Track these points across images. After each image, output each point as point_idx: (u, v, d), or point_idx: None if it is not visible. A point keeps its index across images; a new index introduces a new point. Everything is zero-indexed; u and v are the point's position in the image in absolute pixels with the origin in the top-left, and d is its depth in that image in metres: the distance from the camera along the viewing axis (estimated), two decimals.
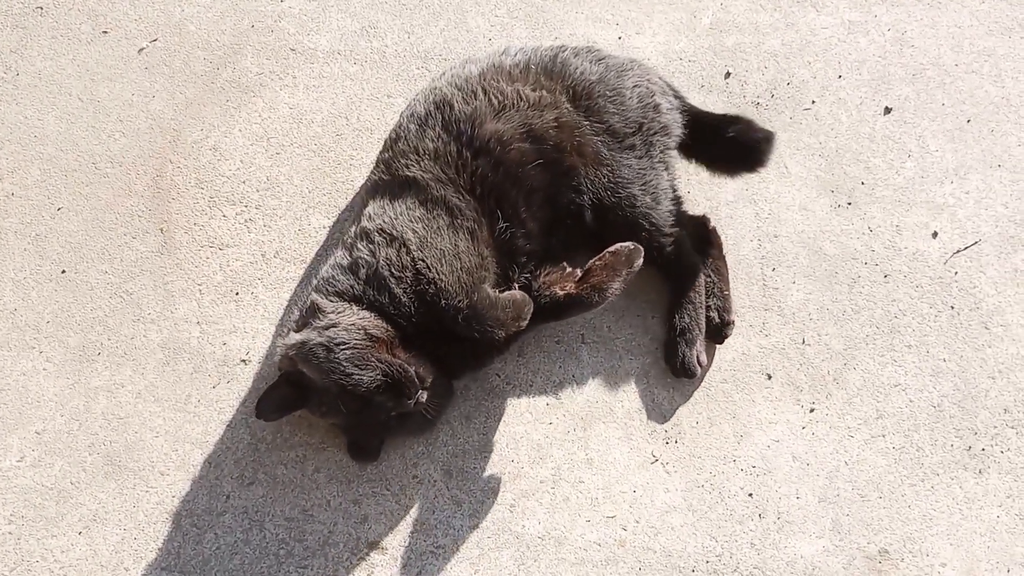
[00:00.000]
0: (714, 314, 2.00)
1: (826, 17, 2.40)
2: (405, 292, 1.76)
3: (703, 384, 2.00)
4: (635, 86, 2.01)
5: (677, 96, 2.10)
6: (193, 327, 2.08)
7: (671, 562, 1.85)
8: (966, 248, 2.12)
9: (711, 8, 2.43)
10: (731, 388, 2.00)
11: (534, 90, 1.94)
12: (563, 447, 1.95)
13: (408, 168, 1.88)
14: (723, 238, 2.10)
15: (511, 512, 1.89)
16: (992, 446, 1.94)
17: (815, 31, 2.39)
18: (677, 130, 2.05)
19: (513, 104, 1.90)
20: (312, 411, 1.81)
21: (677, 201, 2.00)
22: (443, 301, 1.74)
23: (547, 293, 1.84)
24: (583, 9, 2.44)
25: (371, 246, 1.81)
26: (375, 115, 2.31)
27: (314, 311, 1.79)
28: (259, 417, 1.81)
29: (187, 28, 2.45)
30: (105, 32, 2.45)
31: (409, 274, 1.76)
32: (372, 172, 2.02)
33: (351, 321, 1.73)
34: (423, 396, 1.72)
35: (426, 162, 1.87)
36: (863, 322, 2.05)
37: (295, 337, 1.76)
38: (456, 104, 1.91)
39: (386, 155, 1.96)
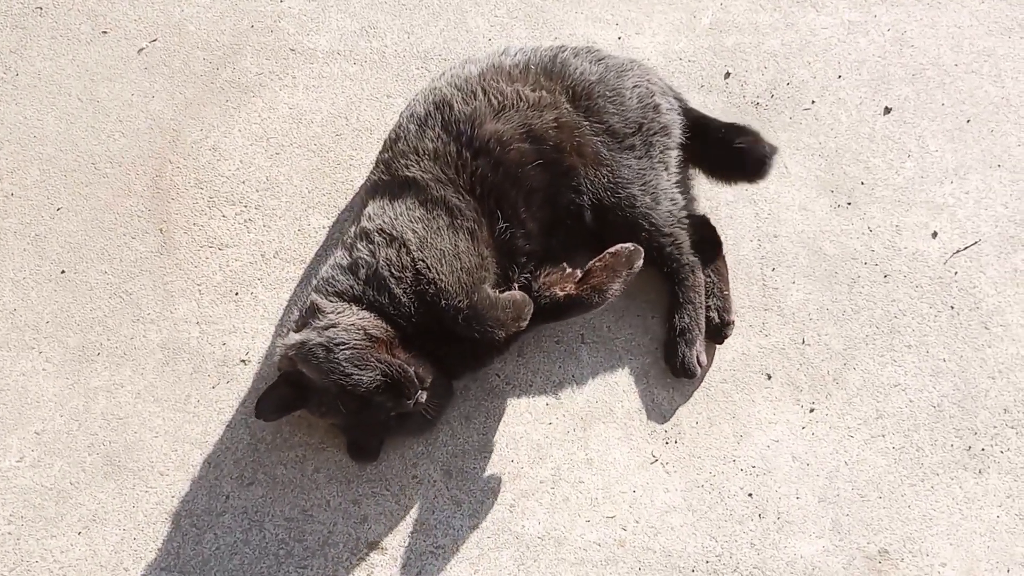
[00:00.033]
0: (714, 314, 2.00)
1: (826, 17, 2.40)
2: (405, 292, 1.76)
3: (703, 384, 2.00)
4: (635, 86, 2.01)
5: (678, 99, 2.10)
6: (193, 327, 2.08)
7: (671, 562, 1.85)
8: (966, 248, 2.12)
9: (711, 8, 2.43)
10: (731, 388, 2.00)
11: (534, 90, 1.94)
12: (563, 447, 1.95)
13: (408, 168, 1.88)
14: (723, 238, 2.10)
15: (511, 512, 1.89)
16: (992, 446, 1.94)
17: (815, 31, 2.39)
18: (677, 130, 2.05)
19: (513, 104, 1.91)
20: (312, 411, 1.81)
21: (676, 201, 2.00)
22: (443, 301, 1.74)
23: (547, 294, 1.84)
24: (583, 9, 2.44)
25: (371, 246, 1.81)
26: (375, 115, 2.31)
27: (314, 311, 1.79)
28: (258, 417, 1.81)
29: (187, 28, 2.45)
30: (105, 32, 2.45)
31: (409, 274, 1.76)
32: (372, 172, 2.02)
33: (351, 321, 1.73)
34: (423, 396, 1.72)
35: (426, 162, 1.87)
36: (863, 322, 2.05)
37: (295, 337, 1.76)
38: (456, 104, 1.91)
39: (386, 155, 1.96)
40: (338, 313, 1.76)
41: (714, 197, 2.18)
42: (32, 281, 2.14)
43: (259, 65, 2.39)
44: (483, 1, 2.45)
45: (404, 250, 1.78)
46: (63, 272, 2.15)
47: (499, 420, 1.97)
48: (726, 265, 2.07)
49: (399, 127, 1.98)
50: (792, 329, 2.05)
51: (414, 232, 1.79)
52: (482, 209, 1.85)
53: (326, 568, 1.85)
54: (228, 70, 2.39)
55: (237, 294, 2.11)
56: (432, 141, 1.89)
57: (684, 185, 2.09)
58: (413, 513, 1.89)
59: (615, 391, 2.00)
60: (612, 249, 1.85)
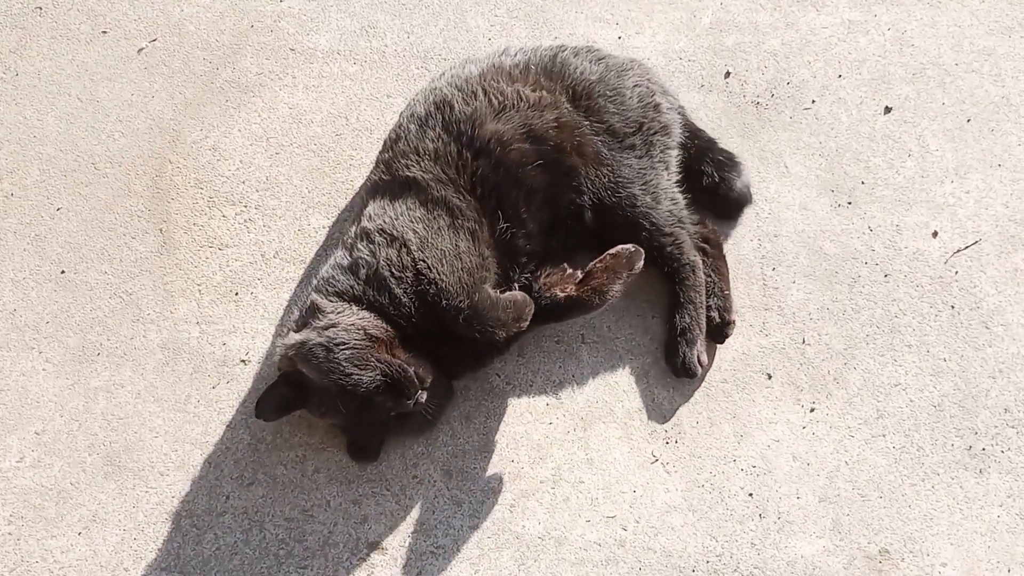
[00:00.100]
0: (714, 314, 1.99)
1: (826, 17, 2.40)
2: (405, 292, 1.76)
3: (703, 384, 2.00)
4: (635, 86, 2.01)
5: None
6: (193, 327, 2.08)
7: (671, 562, 1.84)
8: (966, 247, 2.12)
9: (711, 8, 2.43)
10: (731, 388, 2.00)
11: (534, 90, 1.94)
12: (563, 447, 1.95)
13: (408, 168, 1.88)
14: (723, 238, 2.10)
15: (511, 512, 1.89)
16: (993, 446, 1.94)
17: (815, 31, 2.38)
18: (677, 130, 2.06)
19: (513, 104, 1.90)
20: (312, 411, 1.81)
21: (677, 201, 2.00)
22: (444, 301, 1.74)
23: (547, 295, 1.84)
24: (583, 9, 2.43)
25: (371, 246, 1.81)
26: (375, 115, 2.31)
27: (314, 311, 1.79)
28: (258, 417, 1.81)
29: (186, 28, 2.45)
30: (104, 32, 2.45)
31: (410, 274, 1.76)
32: (372, 172, 2.02)
33: (351, 321, 1.73)
34: (423, 396, 1.72)
35: (426, 162, 1.87)
36: (863, 322, 2.05)
37: (295, 337, 1.76)
38: (456, 105, 1.90)
39: (386, 155, 1.96)
40: (338, 313, 1.76)
41: None
42: (32, 281, 2.14)
43: (259, 65, 2.39)
44: (483, 1, 2.45)
45: (405, 250, 1.78)
46: (63, 272, 2.15)
47: (499, 420, 1.97)
48: (726, 264, 2.07)
49: (399, 127, 1.98)
50: (792, 329, 2.05)
51: (415, 232, 1.79)
52: (483, 209, 1.85)
53: (326, 568, 1.84)
54: (228, 70, 2.39)
55: (237, 294, 2.11)
56: (433, 141, 1.88)
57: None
58: (413, 513, 1.89)
59: (615, 391, 2.00)
60: (612, 250, 1.85)
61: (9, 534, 1.90)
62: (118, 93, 2.36)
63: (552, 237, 1.94)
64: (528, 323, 1.78)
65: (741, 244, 2.13)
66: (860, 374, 2.00)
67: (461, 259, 1.77)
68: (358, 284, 1.79)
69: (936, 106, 2.28)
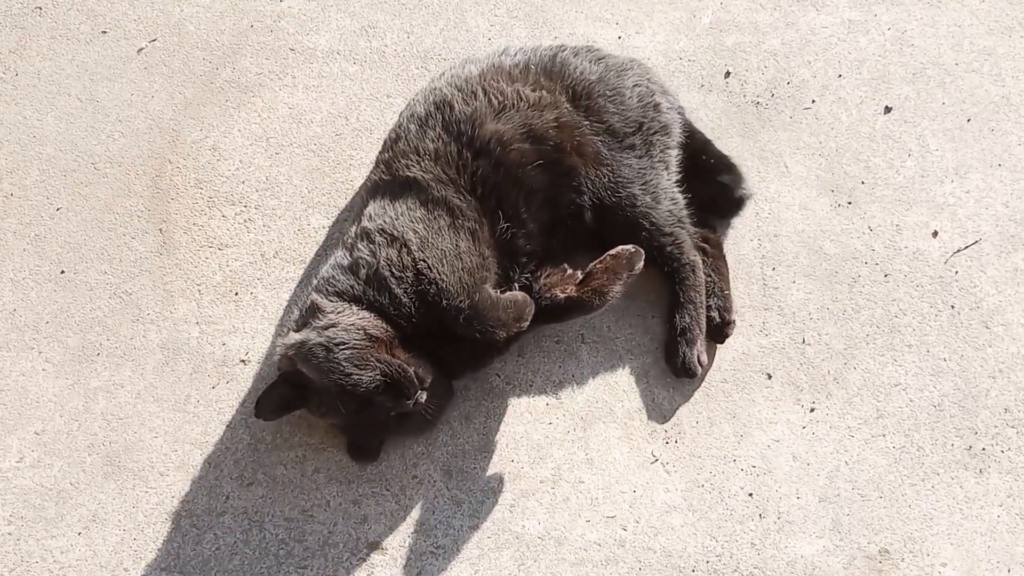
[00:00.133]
0: (715, 314, 1.99)
1: (826, 16, 2.40)
2: (406, 292, 1.76)
3: (703, 384, 2.00)
4: (635, 85, 2.01)
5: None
6: (192, 327, 2.08)
7: (671, 562, 1.84)
8: (966, 247, 2.12)
9: (711, 7, 2.43)
10: (731, 388, 2.00)
11: (534, 90, 1.94)
12: (563, 447, 1.95)
13: (409, 168, 1.88)
14: (723, 237, 2.10)
15: (511, 512, 1.89)
16: (993, 446, 1.93)
17: (815, 30, 2.38)
18: (677, 129, 2.05)
19: (513, 104, 1.90)
20: (311, 411, 1.81)
21: (677, 201, 2.00)
22: (445, 301, 1.73)
23: (548, 295, 1.84)
24: (583, 9, 2.43)
25: (372, 246, 1.81)
26: (374, 115, 2.31)
27: (314, 311, 1.78)
28: (258, 417, 1.81)
29: (186, 28, 2.45)
30: (104, 32, 2.45)
31: (410, 274, 1.76)
32: (372, 172, 2.02)
33: (351, 321, 1.73)
34: (422, 396, 1.72)
35: (427, 162, 1.87)
36: (863, 321, 2.05)
37: (294, 337, 1.76)
38: (456, 105, 1.90)
39: (386, 155, 1.96)
40: (338, 313, 1.76)
41: None
42: (32, 281, 2.14)
43: (259, 65, 2.39)
44: (483, 1, 2.45)
45: (405, 250, 1.78)
46: (63, 272, 2.15)
47: (499, 420, 1.97)
48: (726, 264, 2.07)
49: (399, 127, 1.98)
50: (792, 329, 2.05)
51: (415, 232, 1.79)
52: (483, 209, 1.85)
53: (326, 568, 1.84)
54: (228, 70, 2.39)
55: (237, 294, 2.11)
56: (433, 141, 1.88)
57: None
58: (413, 513, 1.89)
59: (615, 391, 2.00)
60: (613, 251, 1.85)
61: (9, 534, 1.90)
62: (118, 93, 2.36)
63: (552, 237, 1.94)
64: (528, 323, 1.78)
65: (741, 244, 2.13)
66: (860, 374, 2.00)
67: (462, 259, 1.77)
68: (358, 284, 1.79)
69: (936, 106, 2.28)
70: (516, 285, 1.88)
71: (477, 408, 1.98)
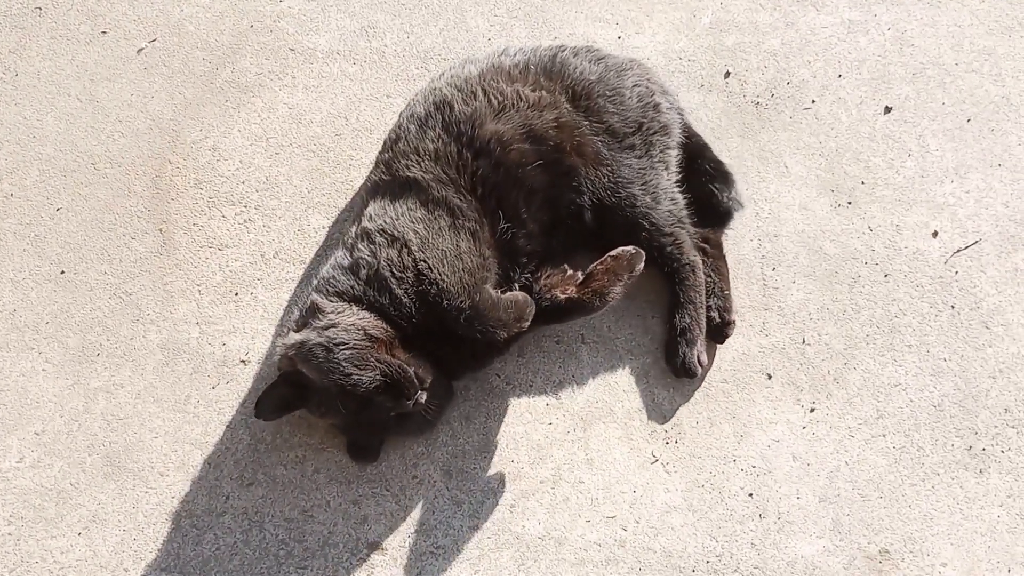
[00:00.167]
0: (715, 314, 1.99)
1: (826, 16, 2.40)
2: (406, 293, 1.76)
3: (703, 384, 2.00)
4: (635, 86, 2.01)
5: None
6: (192, 328, 2.08)
7: (671, 562, 1.84)
8: (967, 247, 2.12)
9: (711, 7, 2.42)
10: (731, 388, 2.00)
11: (534, 90, 1.94)
12: (563, 447, 1.95)
13: (409, 169, 1.88)
14: (723, 238, 2.10)
15: (511, 512, 1.89)
16: (993, 446, 1.93)
17: (815, 30, 2.38)
18: (677, 129, 2.05)
19: (513, 105, 1.90)
20: (311, 411, 1.81)
21: (677, 201, 2.00)
22: (445, 302, 1.73)
23: (548, 296, 1.84)
24: (583, 9, 2.43)
25: (372, 247, 1.81)
26: (374, 115, 2.31)
27: (314, 311, 1.78)
28: (258, 417, 1.81)
29: (186, 28, 2.45)
30: (104, 32, 2.45)
31: (411, 275, 1.76)
32: (372, 173, 2.02)
33: (351, 321, 1.73)
34: (422, 397, 1.72)
35: (427, 163, 1.87)
36: (863, 322, 2.05)
37: (294, 337, 1.76)
38: (456, 105, 1.90)
39: (386, 156, 1.96)
40: (338, 313, 1.76)
41: None
42: (32, 281, 2.14)
43: (259, 65, 2.39)
44: (483, 1, 2.45)
45: (406, 250, 1.78)
46: (63, 272, 2.15)
47: (499, 420, 1.97)
48: (726, 264, 2.07)
49: (399, 127, 1.98)
50: (792, 329, 2.05)
51: (416, 232, 1.79)
52: (483, 209, 1.85)
53: (326, 569, 1.84)
54: (228, 70, 2.39)
55: (237, 294, 2.11)
56: (433, 142, 1.88)
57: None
58: (413, 514, 1.89)
59: (615, 391, 2.00)
60: (613, 252, 1.85)
61: (9, 534, 1.90)
62: (118, 93, 2.36)
63: (552, 237, 1.94)
64: (529, 323, 1.78)
65: (741, 244, 2.13)
66: (860, 374, 2.00)
67: (462, 259, 1.77)
68: (358, 284, 1.79)
69: (936, 106, 2.28)
70: (516, 285, 1.88)
71: (477, 408, 1.98)
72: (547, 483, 1.91)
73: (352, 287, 1.79)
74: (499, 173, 1.86)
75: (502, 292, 1.81)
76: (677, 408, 1.98)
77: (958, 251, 2.11)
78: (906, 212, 2.16)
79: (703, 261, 2.02)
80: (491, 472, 1.93)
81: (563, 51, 2.02)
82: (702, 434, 1.96)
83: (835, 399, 1.98)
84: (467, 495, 1.90)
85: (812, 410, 1.97)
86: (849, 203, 2.17)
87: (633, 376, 2.01)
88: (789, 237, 2.13)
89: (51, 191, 2.24)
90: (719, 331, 1.99)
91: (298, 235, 2.17)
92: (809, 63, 2.34)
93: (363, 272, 1.80)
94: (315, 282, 1.88)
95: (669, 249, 1.95)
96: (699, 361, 1.94)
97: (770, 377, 2.00)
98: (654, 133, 1.99)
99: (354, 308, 1.77)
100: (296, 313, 1.87)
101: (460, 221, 1.82)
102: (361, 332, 1.71)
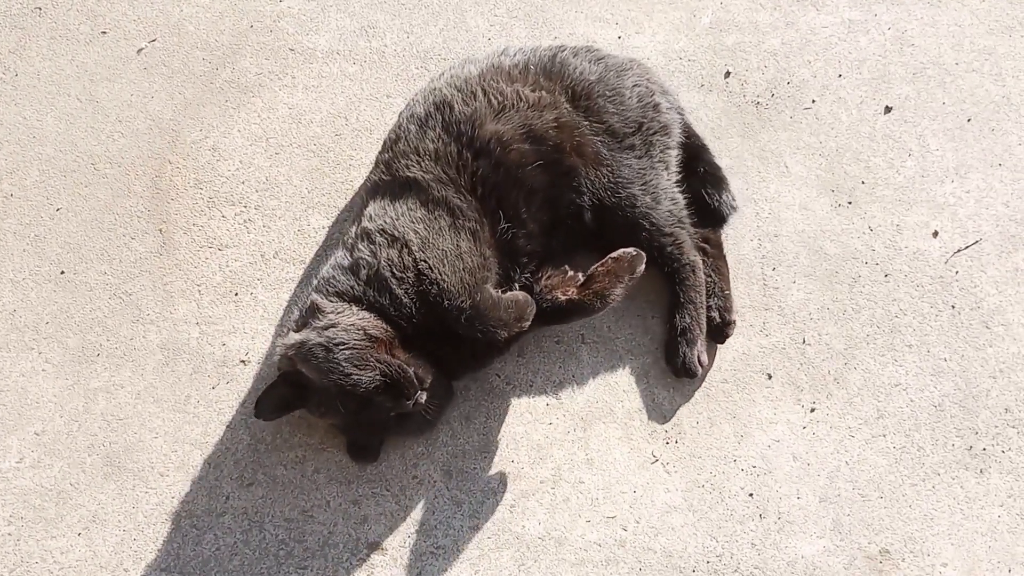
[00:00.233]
0: (715, 314, 1.99)
1: (826, 16, 2.40)
2: (407, 293, 1.76)
3: (703, 384, 2.00)
4: (635, 86, 2.01)
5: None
6: (192, 328, 2.08)
7: (671, 562, 1.84)
8: (967, 247, 2.12)
9: (711, 7, 2.42)
10: (731, 388, 2.00)
11: (533, 90, 1.93)
12: (563, 447, 1.95)
13: (409, 169, 1.87)
14: (723, 237, 2.10)
15: (511, 512, 1.89)
16: (993, 446, 1.93)
17: (815, 30, 2.38)
18: (677, 129, 2.05)
19: (513, 105, 1.90)
20: (311, 411, 1.81)
21: (677, 201, 2.00)
22: (446, 302, 1.73)
23: (549, 297, 1.84)
24: (583, 8, 2.43)
25: (372, 247, 1.80)
26: (374, 115, 2.31)
27: (314, 311, 1.78)
28: (258, 417, 1.81)
29: (186, 28, 2.45)
30: (104, 32, 2.45)
31: (411, 275, 1.76)
32: (371, 173, 2.02)
33: (350, 321, 1.73)
34: (422, 397, 1.72)
35: (427, 163, 1.87)
36: (864, 322, 2.05)
37: (294, 337, 1.76)
38: (456, 105, 1.90)
39: (386, 156, 1.96)
40: (338, 313, 1.75)
41: None
42: (32, 282, 2.14)
43: (258, 65, 2.39)
44: (483, 1, 2.45)
45: (406, 251, 1.78)
46: (63, 273, 2.15)
47: (499, 420, 1.97)
48: (727, 264, 2.06)
49: (399, 127, 1.98)
50: (793, 329, 2.05)
51: (416, 232, 1.79)
52: (483, 209, 1.85)
53: (326, 569, 1.84)
54: (227, 70, 2.39)
55: (237, 294, 2.11)
56: (433, 142, 1.88)
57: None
58: (413, 514, 1.89)
59: (615, 391, 2.00)
60: (615, 254, 1.85)
61: (9, 535, 1.90)
62: (118, 93, 2.36)
63: (552, 237, 1.94)
64: (529, 323, 1.78)
65: (741, 244, 2.13)
66: (860, 374, 2.00)
67: (463, 259, 1.77)
68: (358, 284, 1.79)
69: (936, 106, 2.27)
70: (516, 285, 1.88)
71: (477, 408, 1.98)
72: (547, 483, 1.91)
73: (352, 287, 1.79)
74: (499, 173, 1.86)
75: (502, 292, 1.81)
76: (677, 408, 1.98)
77: (958, 251, 2.11)
78: (906, 212, 2.15)
79: (703, 261, 2.02)
80: (491, 472, 1.92)
81: (563, 51, 2.02)
82: (702, 434, 1.96)
83: (835, 399, 1.98)
84: (467, 495, 1.90)
85: (812, 410, 1.97)
86: (849, 203, 2.17)
87: (633, 376, 2.01)
88: (789, 237, 2.13)
89: (51, 191, 2.24)
90: (719, 331, 1.99)
91: (298, 235, 2.17)
92: (809, 63, 2.34)
93: (363, 272, 1.79)
94: (315, 282, 1.88)
95: (669, 249, 1.95)
96: (699, 361, 1.94)
97: (770, 377, 2.00)
98: (654, 133, 1.99)
99: (354, 308, 1.77)
100: (296, 313, 1.86)
101: (460, 221, 1.82)
102: (361, 332, 1.71)
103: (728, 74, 2.33)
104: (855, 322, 2.05)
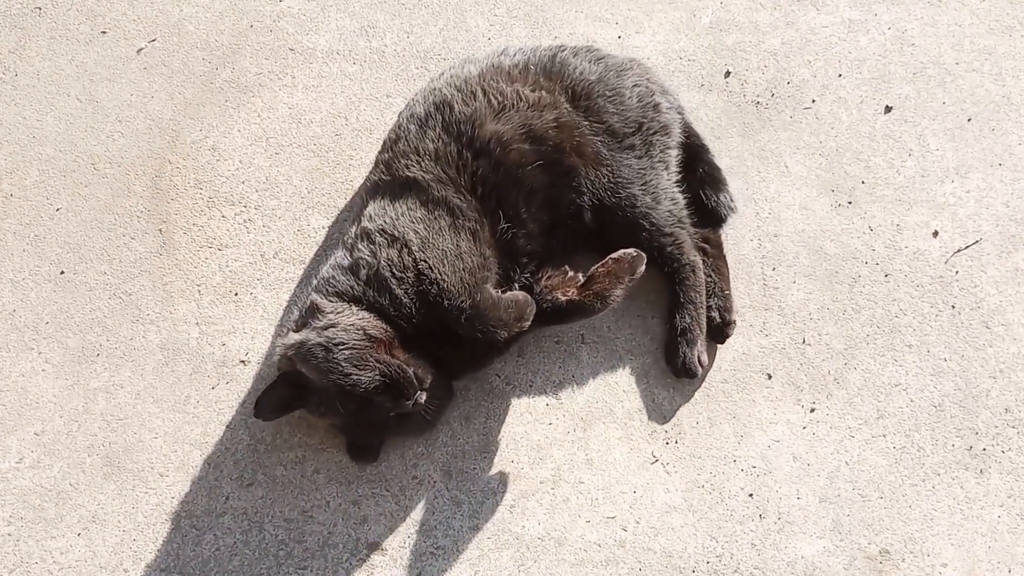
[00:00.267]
0: (715, 314, 1.99)
1: (826, 16, 2.40)
2: (406, 293, 1.76)
3: (703, 384, 2.00)
4: (635, 85, 2.00)
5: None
6: (192, 328, 2.08)
7: (671, 563, 1.84)
8: (967, 247, 2.11)
9: (711, 7, 2.42)
10: (731, 388, 2.00)
11: (533, 90, 1.93)
12: (563, 447, 1.95)
13: (409, 169, 1.87)
14: (723, 237, 2.10)
15: (511, 513, 1.89)
16: (993, 446, 1.93)
17: (815, 30, 2.38)
18: (677, 129, 2.05)
19: (513, 105, 1.90)
20: (311, 411, 1.81)
21: (677, 201, 2.00)
22: (446, 302, 1.73)
23: (549, 297, 1.84)
24: (583, 8, 2.43)
25: (372, 247, 1.80)
26: (374, 115, 2.31)
27: (313, 311, 1.78)
28: (257, 417, 1.81)
29: (186, 28, 2.44)
30: (104, 32, 2.45)
31: (411, 275, 1.76)
32: (371, 173, 2.02)
33: (350, 321, 1.73)
34: (422, 397, 1.72)
35: (427, 163, 1.87)
36: (864, 322, 2.05)
37: (294, 337, 1.76)
38: (456, 105, 1.90)
39: (385, 156, 1.95)
40: (338, 313, 1.75)
41: None
42: (31, 282, 2.14)
43: (258, 65, 2.39)
44: (483, 1, 2.45)
45: (406, 251, 1.78)
46: (62, 273, 2.15)
47: (499, 421, 1.97)
48: (727, 264, 2.06)
49: (399, 127, 1.98)
50: (793, 329, 2.04)
51: (416, 232, 1.79)
52: (483, 209, 1.85)
53: (326, 569, 1.84)
54: (227, 70, 2.38)
55: (237, 295, 2.11)
56: (433, 142, 1.88)
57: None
58: (413, 514, 1.89)
59: (615, 391, 2.00)
60: (615, 255, 1.85)
61: (8, 535, 1.90)
62: (117, 93, 2.36)
63: (552, 237, 1.94)
64: (529, 323, 1.77)
65: (741, 244, 2.13)
66: (860, 374, 2.00)
67: (463, 259, 1.77)
68: (358, 284, 1.79)
69: (936, 105, 2.27)
70: (516, 285, 1.88)
71: (477, 409, 1.98)
72: (547, 483, 1.91)
73: (352, 287, 1.79)
74: (499, 173, 1.86)
75: (502, 292, 1.81)
76: (677, 408, 1.98)
77: (959, 251, 2.11)
78: (906, 212, 2.15)
79: (703, 261, 2.01)
80: (491, 472, 1.92)
81: (563, 51, 2.02)
82: (702, 434, 1.96)
83: (835, 399, 1.98)
84: (467, 495, 1.90)
85: (812, 410, 1.97)
86: (849, 203, 2.17)
87: (633, 376, 2.01)
88: (789, 237, 2.13)
89: (51, 191, 2.24)
90: (719, 331, 1.99)
91: (298, 235, 2.17)
92: (809, 62, 2.34)
93: (363, 272, 1.79)
94: (315, 282, 1.88)
95: (669, 249, 1.95)
96: (699, 361, 1.94)
97: (770, 377, 2.00)
98: (654, 133, 1.99)
99: (354, 308, 1.77)
100: (296, 313, 1.86)
101: (460, 221, 1.81)
102: (360, 332, 1.71)
103: (728, 74, 2.33)
104: (855, 322, 2.05)
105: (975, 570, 1.83)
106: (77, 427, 1.99)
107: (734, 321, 2.01)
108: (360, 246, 1.83)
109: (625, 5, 2.43)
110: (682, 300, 1.97)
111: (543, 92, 1.93)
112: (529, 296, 1.81)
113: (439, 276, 1.74)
